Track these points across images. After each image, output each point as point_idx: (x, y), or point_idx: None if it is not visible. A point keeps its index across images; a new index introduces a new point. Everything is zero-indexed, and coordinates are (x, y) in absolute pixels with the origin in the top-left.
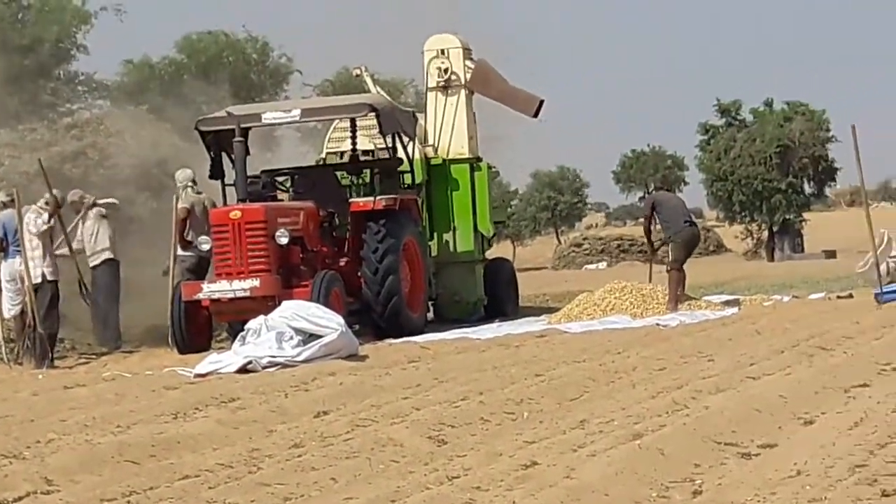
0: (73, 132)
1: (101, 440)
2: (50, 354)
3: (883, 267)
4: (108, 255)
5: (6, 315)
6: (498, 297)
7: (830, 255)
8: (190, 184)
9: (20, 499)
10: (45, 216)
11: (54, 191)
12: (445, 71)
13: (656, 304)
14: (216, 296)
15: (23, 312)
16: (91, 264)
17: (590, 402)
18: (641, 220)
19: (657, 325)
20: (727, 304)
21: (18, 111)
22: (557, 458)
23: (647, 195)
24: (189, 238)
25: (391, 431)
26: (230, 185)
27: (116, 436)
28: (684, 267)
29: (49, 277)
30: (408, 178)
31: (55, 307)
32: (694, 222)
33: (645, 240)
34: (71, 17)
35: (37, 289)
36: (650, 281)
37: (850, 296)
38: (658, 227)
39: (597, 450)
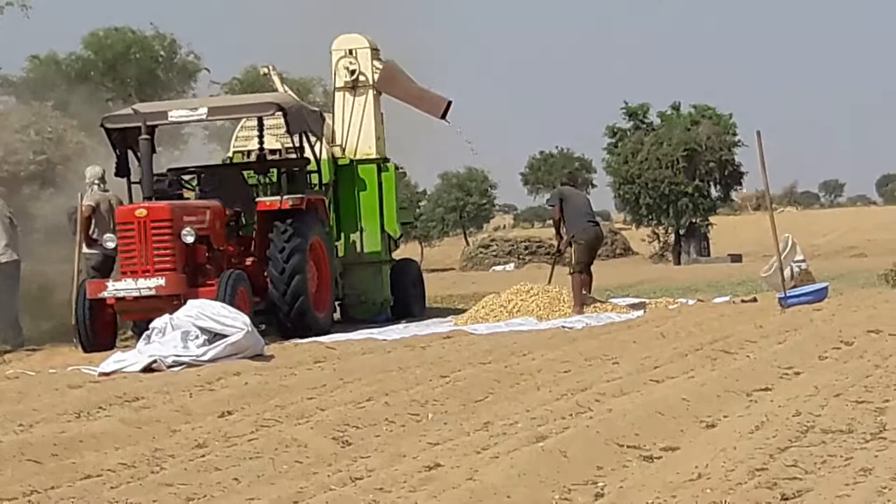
0: None
1: (3, 438)
2: None
3: (787, 271)
4: (7, 254)
5: None
6: (405, 297)
7: (736, 258)
8: (97, 181)
9: None
10: None
11: None
12: (353, 71)
13: (562, 306)
14: (121, 294)
15: None
16: None
17: (494, 403)
18: (550, 220)
19: (563, 327)
20: (633, 306)
21: None
22: (461, 460)
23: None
24: (94, 236)
25: (295, 432)
26: (136, 182)
27: (18, 434)
28: (592, 268)
29: None
30: (315, 178)
31: None
32: (597, 222)
33: (555, 234)
34: None
35: None
36: (549, 282)
37: (755, 300)
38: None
39: (500, 451)
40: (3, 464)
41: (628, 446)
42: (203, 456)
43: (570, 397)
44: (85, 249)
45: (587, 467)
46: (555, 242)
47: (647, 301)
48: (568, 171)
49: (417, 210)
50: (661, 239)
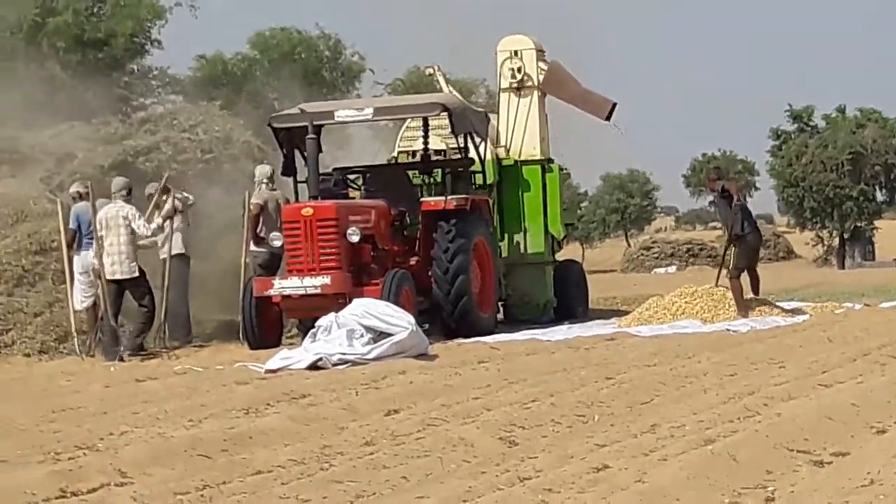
0: (146, 126)
1: (174, 434)
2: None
3: None
4: (179, 248)
5: (78, 307)
6: (568, 299)
7: None
8: (266, 180)
9: (94, 490)
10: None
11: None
12: (518, 72)
13: (727, 309)
14: (287, 292)
15: (94, 305)
16: (161, 257)
17: (661, 406)
18: (712, 223)
19: (728, 330)
20: (798, 311)
21: (92, 105)
22: (629, 462)
23: (713, 185)
24: (262, 234)
25: (462, 431)
26: (302, 182)
27: (188, 430)
28: (757, 270)
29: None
30: (479, 179)
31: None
32: (758, 227)
33: (728, 227)
34: (146, 11)
35: (127, 283)
36: (717, 283)
37: None
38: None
39: (668, 454)
40: (174, 458)
41: (798, 451)
42: (371, 454)
43: (738, 401)
44: (252, 247)
45: (757, 471)
46: (717, 245)
47: (812, 305)
48: (715, 166)
49: (579, 211)
50: (825, 243)
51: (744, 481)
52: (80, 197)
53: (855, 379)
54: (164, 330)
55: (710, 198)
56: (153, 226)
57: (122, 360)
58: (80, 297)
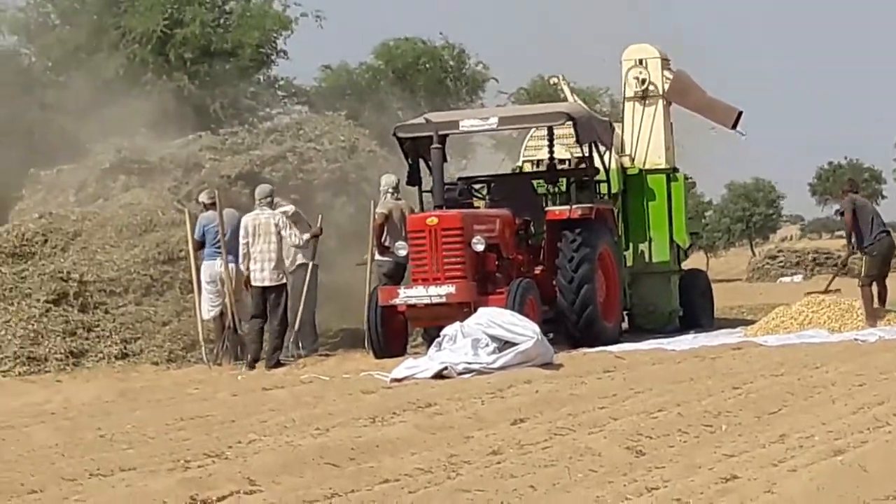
0: (272, 136)
1: (302, 442)
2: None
3: None
4: (302, 259)
5: (205, 316)
6: (693, 308)
7: None
8: (391, 189)
9: (224, 498)
10: (306, 236)
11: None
12: (643, 81)
13: (855, 318)
14: (412, 301)
15: (222, 314)
16: (290, 269)
17: (789, 416)
18: (838, 231)
19: (855, 339)
20: None
21: (219, 115)
22: (758, 472)
23: (844, 197)
24: (386, 243)
25: (589, 441)
26: (427, 191)
27: (316, 438)
28: (886, 280)
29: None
30: (604, 188)
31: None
32: (889, 231)
33: (845, 244)
34: (272, 22)
35: (273, 289)
36: (826, 290)
37: None
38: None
39: (797, 465)
40: (303, 467)
41: None
42: (498, 462)
43: (867, 411)
44: (377, 257)
45: (888, 482)
46: (843, 253)
47: None
48: (849, 178)
49: (704, 220)
50: None
51: (874, 492)
52: (207, 207)
53: None
54: (294, 339)
55: (837, 207)
56: (306, 236)
57: (251, 367)
58: (207, 307)
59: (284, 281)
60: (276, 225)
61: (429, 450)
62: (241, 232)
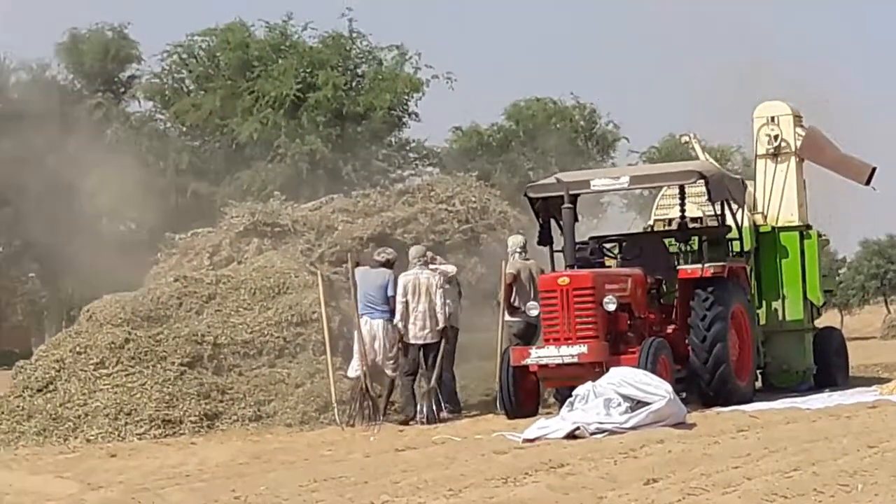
0: (404, 198)
1: (435, 503)
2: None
3: None
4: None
5: (351, 374)
6: (828, 366)
7: None
8: (519, 249)
9: None
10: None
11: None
12: (776, 138)
13: None
14: (544, 361)
15: (364, 374)
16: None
17: None
18: None
19: None
20: None
21: (351, 177)
22: None
23: None
24: (515, 303)
25: (723, 501)
26: (558, 251)
27: (449, 499)
28: None
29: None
30: (736, 246)
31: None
32: None
33: None
34: (403, 85)
35: (431, 347)
36: None
37: None
38: None
39: None
40: None
41: None
42: None
43: None
44: (507, 317)
45: None
46: None
47: None
48: None
49: (837, 277)
50: None
51: None
52: (382, 264)
53: None
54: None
55: None
56: (450, 303)
57: (440, 420)
58: (354, 365)
59: (441, 339)
60: (435, 286)
61: None
62: (400, 290)
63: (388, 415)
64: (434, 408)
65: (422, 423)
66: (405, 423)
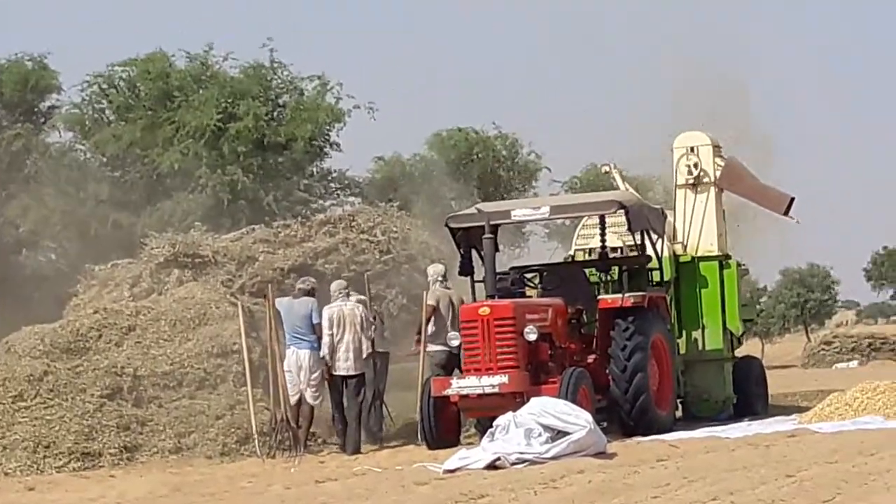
0: (325, 228)
1: None
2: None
3: None
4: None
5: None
6: (747, 395)
7: None
8: (440, 278)
9: None
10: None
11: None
12: (695, 167)
13: None
14: (465, 391)
15: (299, 402)
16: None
17: None
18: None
19: None
20: None
21: (273, 208)
22: None
23: None
24: (430, 332)
25: None
26: (479, 281)
27: None
28: None
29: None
30: (656, 276)
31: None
32: None
33: None
34: (325, 115)
35: (353, 378)
36: None
37: None
38: None
39: None
40: None
41: None
42: None
43: None
44: (430, 347)
45: None
46: None
47: None
48: None
49: (758, 307)
50: None
51: None
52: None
53: None
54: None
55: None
56: (371, 335)
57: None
58: (290, 392)
59: (363, 371)
60: (360, 316)
61: None
62: (326, 323)
63: (308, 446)
64: (358, 439)
65: (347, 454)
66: (355, 453)
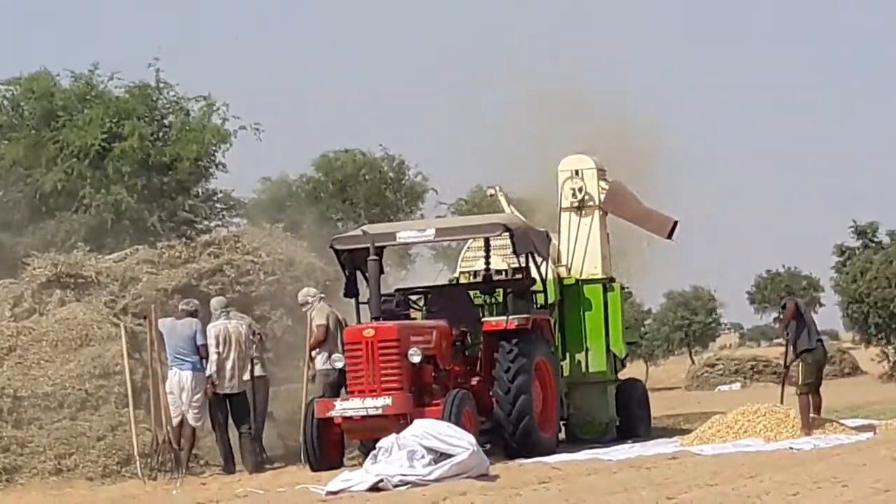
0: (210, 249)
1: None
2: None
3: None
4: (259, 371)
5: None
6: (630, 417)
7: None
8: (314, 301)
9: None
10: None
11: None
12: (580, 191)
13: (790, 427)
14: (349, 413)
15: (181, 424)
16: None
17: None
18: (776, 339)
19: (791, 448)
20: (862, 428)
21: (157, 228)
22: None
23: (787, 302)
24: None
25: None
26: (364, 303)
27: None
28: (820, 389)
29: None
30: (540, 298)
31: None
32: (822, 340)
33: (785, 350)
34: (210, 136)
35: (237, 397)
36: (781, 401)
37: None
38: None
39: None
40: None
41: None
42: None
43: None
44: (321, 366)
45: None
46: (782, 360)
47: (878, 423)
48: (786, 285)
49: (642, 329)
50: (891, 359)
51: None
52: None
53: None
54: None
55: (776, 315)
56: (254, 353)
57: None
58: (173, 413)
59: (244, 389)
60: (245, 334)
61: None
62: (212, 341)
63: (190, 467)
64: (257, 456)
65: (249, 472)
66: (229, 472)
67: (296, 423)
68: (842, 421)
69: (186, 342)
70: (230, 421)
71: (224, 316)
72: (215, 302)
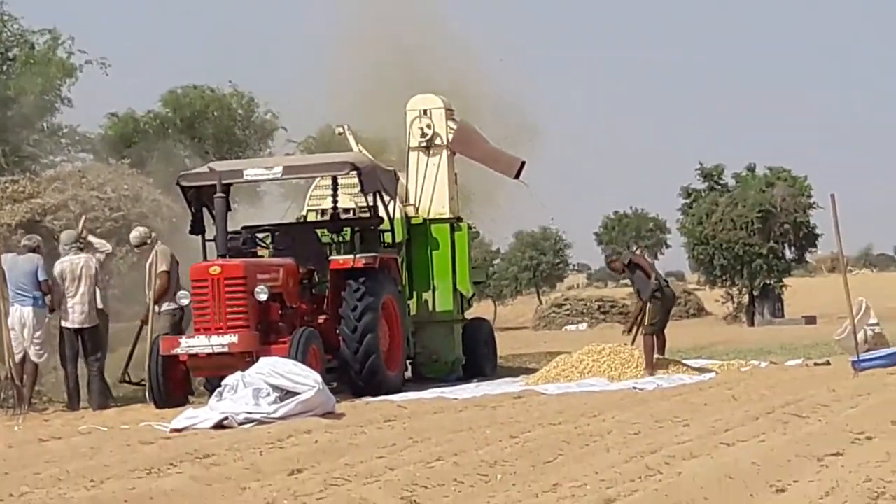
0: (55, 185)
1: (74, 494)
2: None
3: (860, 335)
4: (100, 304)
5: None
6: (476, 357)
7: (810, 320)
8: (148, 241)
9: None
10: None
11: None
12: (428, 128)
13: (634, 367)
14: (194, 351)
15: (23, 361)
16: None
17: (563, 465)
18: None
19: (634, 388)
20: (705, 369)
21: (0, 162)
22: None
23: (626, 258)
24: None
25: (364, 491)
26: (210, 240)
27: (89, 490)
28: (665, 330)
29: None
30: (388, 237)
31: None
32: (669, 286)
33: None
34: (55, 69)
35: (90, 330)
36: (633, 343)
37: (828, 363)
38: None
39: None
40: None
41: None
42: None
43: (640, 460)
44: (169, 305)
45: None
46: (629, 303)
47: (720, 363)
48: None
49: (491, 269)
50: (735, 300)
51: None
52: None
53: (757, 437)
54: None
55: (620, 278)
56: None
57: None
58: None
59: (98, 322)
60: (95, 268)
61: (203, 501)
62: (58, 276)
63: (33, 403)
64: (104, 392)
65: (94, 409)
66: (73, 409)
67: (140, 359)
68: (685, 361)
69: (28, 278)
70: (80, 357)
71: (73, 251)
72: (64, 235)
